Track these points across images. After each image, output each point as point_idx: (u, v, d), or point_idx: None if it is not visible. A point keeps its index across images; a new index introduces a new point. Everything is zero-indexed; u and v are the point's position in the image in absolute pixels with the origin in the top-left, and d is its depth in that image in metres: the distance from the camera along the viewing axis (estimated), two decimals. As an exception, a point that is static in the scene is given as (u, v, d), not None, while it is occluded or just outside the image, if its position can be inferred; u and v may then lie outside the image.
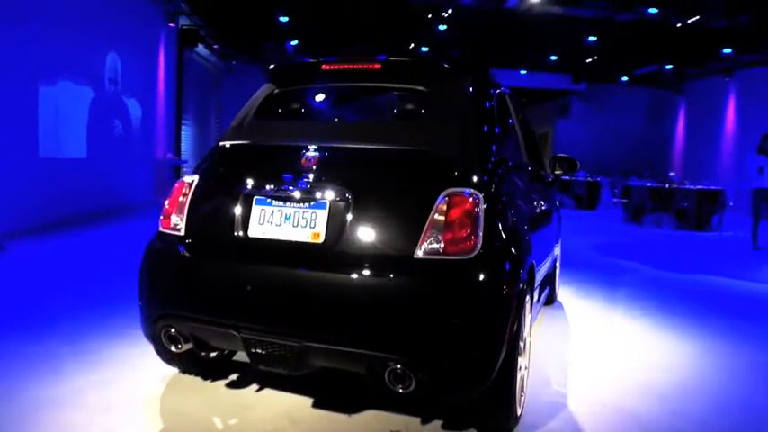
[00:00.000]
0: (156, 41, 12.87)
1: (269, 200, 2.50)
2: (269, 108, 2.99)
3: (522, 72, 18.64)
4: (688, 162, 19.03)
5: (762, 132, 9.07)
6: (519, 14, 12.00)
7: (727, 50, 13.98)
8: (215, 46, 16.37)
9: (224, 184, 2.68)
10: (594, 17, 12.14)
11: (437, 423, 2.62)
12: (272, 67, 3.12)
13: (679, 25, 11.97)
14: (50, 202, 8.17)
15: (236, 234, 2.50)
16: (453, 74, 2.86)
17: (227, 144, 2.89)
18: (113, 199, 10.46)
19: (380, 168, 2.51)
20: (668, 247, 9.23)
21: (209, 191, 2.67)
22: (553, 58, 17.12)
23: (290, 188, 2.48)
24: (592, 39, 13.71)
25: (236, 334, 2.38)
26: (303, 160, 2.53)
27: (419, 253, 2.26)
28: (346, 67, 2.92)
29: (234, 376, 3.06)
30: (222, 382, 2.99)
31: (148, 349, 2.96)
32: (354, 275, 2.26)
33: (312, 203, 2.43)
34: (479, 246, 2.27)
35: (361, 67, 2.89)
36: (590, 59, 16.90)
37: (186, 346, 2.59)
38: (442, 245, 2.26)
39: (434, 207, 2.29)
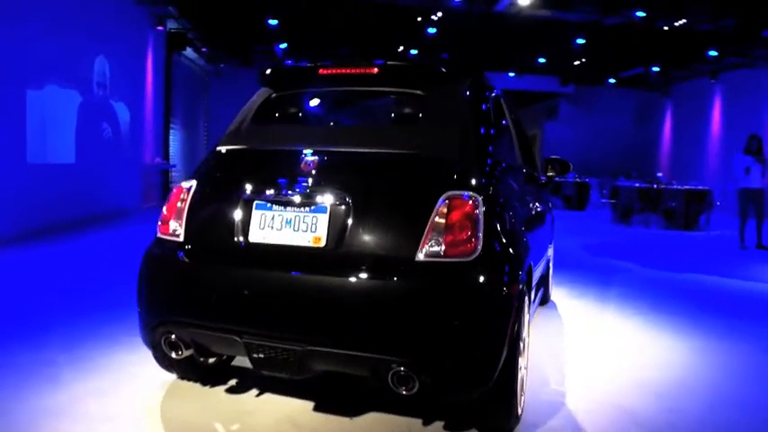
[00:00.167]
0: (144, 45, 12.79)
1: (269, 204, 2.51)
2: (266, 112, 3.00)
3: (511, 74, 18.75)
4: (675, 163, 19.25)
5: (748, 133, 9.22)
6: (508, 17, 12.08)
7: (713, 53, 14.17)
8: (203, 49, 16.29)
9: (223, 189, 2.67)
10: (582, 20, 12.26)
11: (439, 424, 2.64)
12: (268, 71, 3.11)
13: (666, 28, 12.12)
14: (38, 208, 8.09)
15: (236, 239, 2.50)
16: (450, 77, 2.88)
17: (225, 149, 2.89)
18: (101, 205, 10.37)
19: (380, 172, 2.53)
20: (657, 246, 9.33)
21: (208, 196, 2.67)
22: (541, 60, 17.24)
23: (291, 192, 2.48)
24: (580, 42, 13.83)
25: (237, 339, 2.38)
26: (303, 164, 2.54)
27: (420, 256, 2.28)
28: (343, 71, 2.93)
29: (233, 381, 3.05)
30: (222, 388, 2.98)
31: (146, 356, 2.95)
32: (356, 279, 2.27)
33: (313, 208, 2.44)
34: (480, 248, 2.30)
35: (358, 71, 2.90)
36: (578, 62, 17.04)
37: (187, 353, 2.59)
38: (443, 247, 2.27)
39: (435, 210, 2.31)
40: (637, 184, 12.59)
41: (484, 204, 2.37)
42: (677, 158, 19.22)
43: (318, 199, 2.44)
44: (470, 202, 2.33)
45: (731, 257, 8.32)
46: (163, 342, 2.57)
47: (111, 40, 10.81)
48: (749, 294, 5.90)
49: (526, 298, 2.68)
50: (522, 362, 2.64)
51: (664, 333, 4.33)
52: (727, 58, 14.75)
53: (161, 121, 13.96)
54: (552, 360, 3.62)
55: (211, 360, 3.03)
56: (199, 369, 2.99)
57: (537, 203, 3.83)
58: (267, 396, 2.89)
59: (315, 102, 3.21)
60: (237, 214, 2.53)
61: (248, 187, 2.57)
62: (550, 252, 4.82)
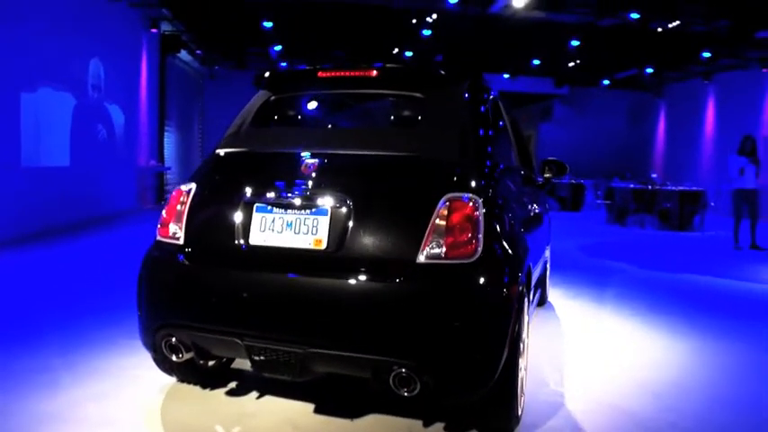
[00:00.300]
0: (139, 47, 12.77)
1: (270, 207, 2.51)
2: (266, 115, 3.00)
3: (506, 76, 18.81)
4: (669, 163, 19.34)
5: (741, 134, 9.29)
6: (502, 19, 12.12)
7: (706, 54, 14.25)
8: (197, 51, 16.26)
9: (223, 191, 2.67)
10: (577, 22, 12.31)
11: (439, 425, 2.64)
12: (267, 74, 3.11)
13: (659, 30, 12.18)
14: (32, 211, 8.05)
15: (237, 242, 2.50)
16: (449, 80, 2.89)
17: (225, 152, 2.89)
18: (96, 207, 10.33)
19: (380, 174, 2.54)
20: (652, 247, 9.37)
21: (208, 199, 2.67)
22: (536, 62, 17.31)
23: (292, 195, 2.49)
24: (574, 43, 13.89)
25: (239, 342, 2.38)
26: (303, 167, 2.54)
27: (421, 258, 2.28)
28: (343, 74, 2.93)
29: (233, 384, 3.05)
30: (222, 391, 2.97)
31: (145, 359, 2.94)
32: (357, 281, 2.28)
33: (313, 210, 2.44)
34: (480, 250, 2.31)
35: (357, 74, 2.91)
36: (572, 63, 17.11)
37: (187, 356, 2.58)
38: (444, 249, 2.28)
39: (435, 212, 2.32)
40: (631, 185, 12.64)
41: (484, 206, 2.38)
42: (671, 159, 19.32)
43: (319, 201, 2.44)
44: (471, 204, 2.34)
45: (726, 258, 8.37)
46: (163, 345, 2.56)
47: (106, 42, 10.79)
48: (744, 294, 5.94)
49: (526, 299, 2.69)
50: (521, 363, 2.65)
51: (660, 333, 4.36)
52: (720, 59, 14.85)
53: (156, 123, 13.93)
54: (550, 361, 3.63)
55: (211, 363, 3.02)
56: (198, 372, 2.99)
57: (535, 205, 3.84)
58: (267, 398, 2.89)
59: (314, 104, 3.22)
60: (238, 217, 2.53)
61: (249, 190, 2.57)
62: (547, 253, 4.84)
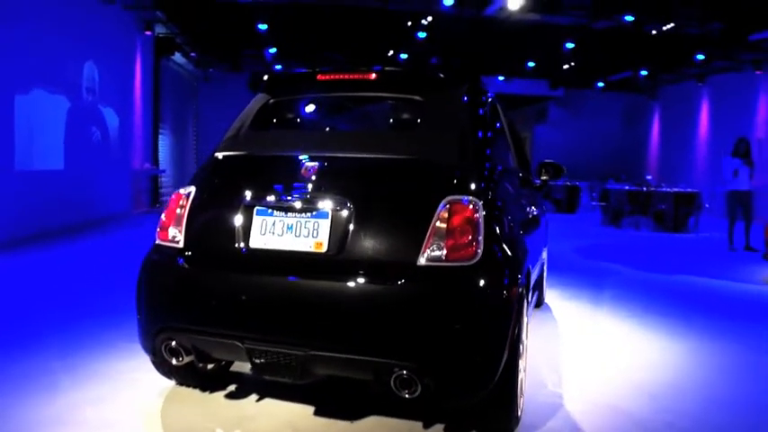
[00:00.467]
0: (133, 50, 12.73)
1: (270, 210, 2.51)
2: (265, 118, 3.00)
3: (501, 78, 18.87)
4: (663, 165, 19.43)
5: (735, 136, 9.35)
6: (497, 22, 12.16)
7: (700, 57, 14.34)
8: (192, 54, 16.22)
9: (223, 195, 2.67)
10: (572, 25, 12.37)
11: (440, 427, 2.65)
12: (265, 77, 3.12)
13: (654, 33, 12.25)
14: (27, 215, 8.02)
15: (237, 245, 2.50)
16: (448, 83, 2.91)
17: (224, 155, 2.89)
18: (91, 211, 10.29)
19: (380, 177, 2.54)
20: (648, 248, 9.41)
21: (207, 202, 2.67)
22: (531, 64, 17.37)
23: (292, 198, 2.49)
24: (569, 46, 13.95)
25: (239, 345, 2.38)
26: (303, 170, 2.54)
27: (422, 260, 2.29)
28: (342, 77, 2.95)
29: (233, 387, 3.05)
30: (221, 394, 2.97)
31: (144, 362, 2.94)
32: (358, 283, 2.29)
33: (314, 213, 2.45)
34: (480, 252, 2.32)
35: (356, 77, 2.92)
36: (567, 66, 17.18)
37: (187, 359, 2.58)
38: (445, 252, 2.29)
39: (436, 215, 2.33)
40: (626, 187, 12.69)
41: (484, 209, 2.39)
42: (665, 161, 19.41)
43: (320, 204, 2.45)
44: (471, 206, 2.36)
45: (720, 259, 8.42)
46: (163, 348, 2.56)
47: (100, 45, 10.76)
48: (739, 295, 5.98)
49: (525, 301, 2.71)
50: (521, 364, 2.66)
51: (657, 334, 4.38)
52: (714, 61, 14.93)
53: (150, 126, 13.89)
54: (548, 362, 3.65)
55: (210, 366, 3.02)
56: (198, 375, 2.99)
57: (533, 207, 3.86)
58: (267, 401, 2.89)
59: (314, 107, 3.22)
60: (238, 220, 2.53)
61: (249, 193, 2.57)
62: (545, 255, 4.86)
